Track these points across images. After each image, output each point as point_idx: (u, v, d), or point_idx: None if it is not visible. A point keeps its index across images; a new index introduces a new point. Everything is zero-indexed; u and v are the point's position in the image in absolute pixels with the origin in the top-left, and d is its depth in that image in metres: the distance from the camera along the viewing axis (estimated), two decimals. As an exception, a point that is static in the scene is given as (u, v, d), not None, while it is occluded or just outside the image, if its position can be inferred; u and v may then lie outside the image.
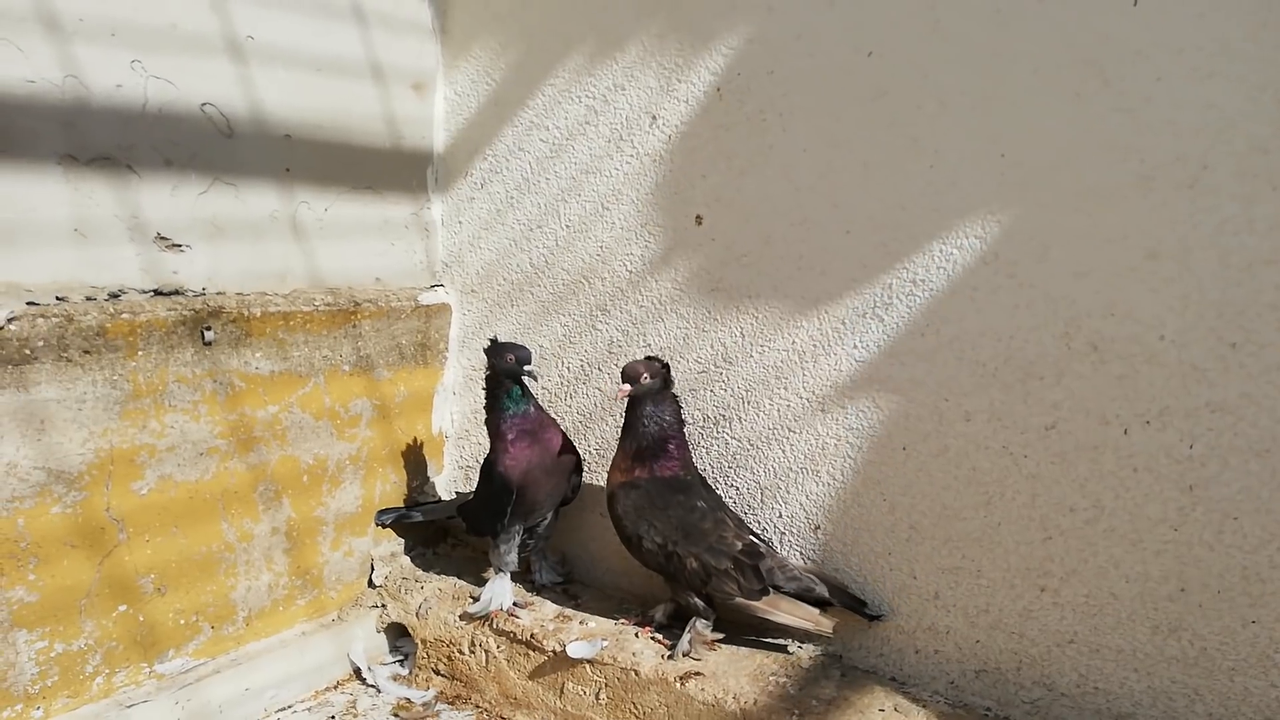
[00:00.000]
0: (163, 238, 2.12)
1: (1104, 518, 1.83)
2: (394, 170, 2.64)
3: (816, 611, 2.07)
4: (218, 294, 2.21)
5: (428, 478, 2.75)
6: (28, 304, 1.86)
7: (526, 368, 2.23)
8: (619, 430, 2.24)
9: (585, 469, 2.48)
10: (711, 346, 2.32)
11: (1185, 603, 1.76)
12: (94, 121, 1.97)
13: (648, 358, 2.22)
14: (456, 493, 2.78)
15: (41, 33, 1.88)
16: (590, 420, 2.53)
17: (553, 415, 2.42)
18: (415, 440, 2.70)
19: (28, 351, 1.83)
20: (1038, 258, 1.87)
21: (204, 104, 2.16)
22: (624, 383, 2.15)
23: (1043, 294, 1.87)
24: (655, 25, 2.31)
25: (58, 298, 1.92)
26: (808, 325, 2.16)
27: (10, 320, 1.80)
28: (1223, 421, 1.71)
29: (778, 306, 2.20)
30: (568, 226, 2.52)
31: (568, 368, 2.57)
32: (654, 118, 2.34)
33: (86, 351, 1.92)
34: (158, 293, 2.11)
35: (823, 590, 2.09)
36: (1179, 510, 1.76)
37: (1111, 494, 1.82)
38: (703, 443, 2.36)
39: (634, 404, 2.18)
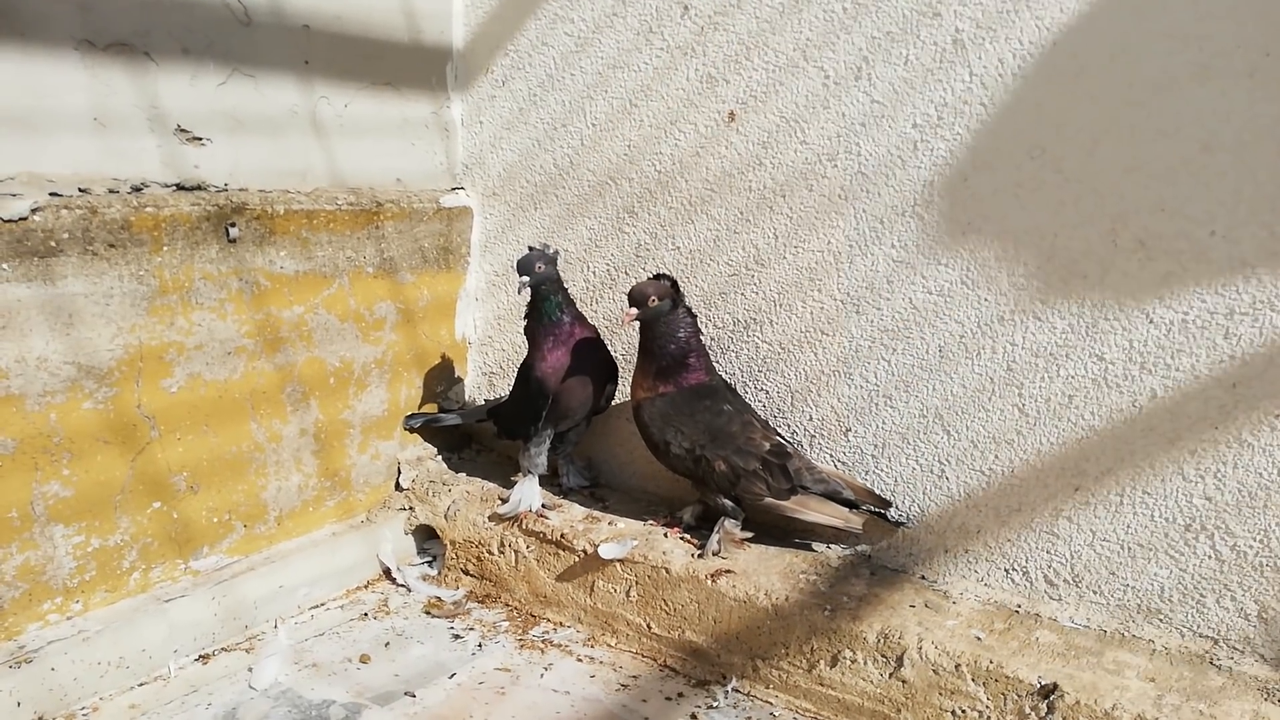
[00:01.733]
0: (183, 129, 2.06)
1: (1142, 417, 1.83)
2: (413, 66, 2.56)
3: (846, 510, 2.09)
4: (240, 190, 2.16)
5: (451, 383, 2.74)
6: (50, 195, 1.82)
7: (521, 279, 2.20)
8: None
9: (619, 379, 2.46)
10: (743, 248, 2.28)
11: (1219, 502, 1.77)
12: (110, 4, 1.90)
13: (655, 277, 2.18)
14: (485, 399, 2.77)
15: (51, -92, 1.79)
16: (617, 324, 2.51)
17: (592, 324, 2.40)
18: (439, 345, 2.68)
19: (53, 244, 1.79)
20: (1086, 152, 1.82)
21: (220, -11, 2.08)
22: (631, 307, 2.11)
23: (1090, 190, 1.83)
24: (688, -90, 2.21)
25: (80, 189, 1.88)
26: (843, 225, 2.12)
27: (34, 211, 1.76)
28: (1271, 319, 1.69)
29: (812, 206, 2.16)
30: (594, 125, 2.45)
31: (594, 272, 2.54)
32: (686, 8, 2.25)
33: (112, 245, 1.88)
34: (180, 187, 2.06)
35: (849, 494, 2.10)
36: (1220, 409, 1.75)
37: (1149, 390, 1.81)
38: (732, 347, 2.34)
39: (647, 326, 2.15)
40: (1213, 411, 1.76)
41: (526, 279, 2.18)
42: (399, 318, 2.52)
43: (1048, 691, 1.71)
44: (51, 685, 1.80)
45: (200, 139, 2.09)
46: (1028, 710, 1.71)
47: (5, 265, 1.73)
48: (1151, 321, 1.80)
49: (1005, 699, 1.74)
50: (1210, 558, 1.80)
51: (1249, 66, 1.66)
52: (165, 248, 1.97)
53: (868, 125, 2.06)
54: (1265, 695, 1.68)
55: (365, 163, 2.46)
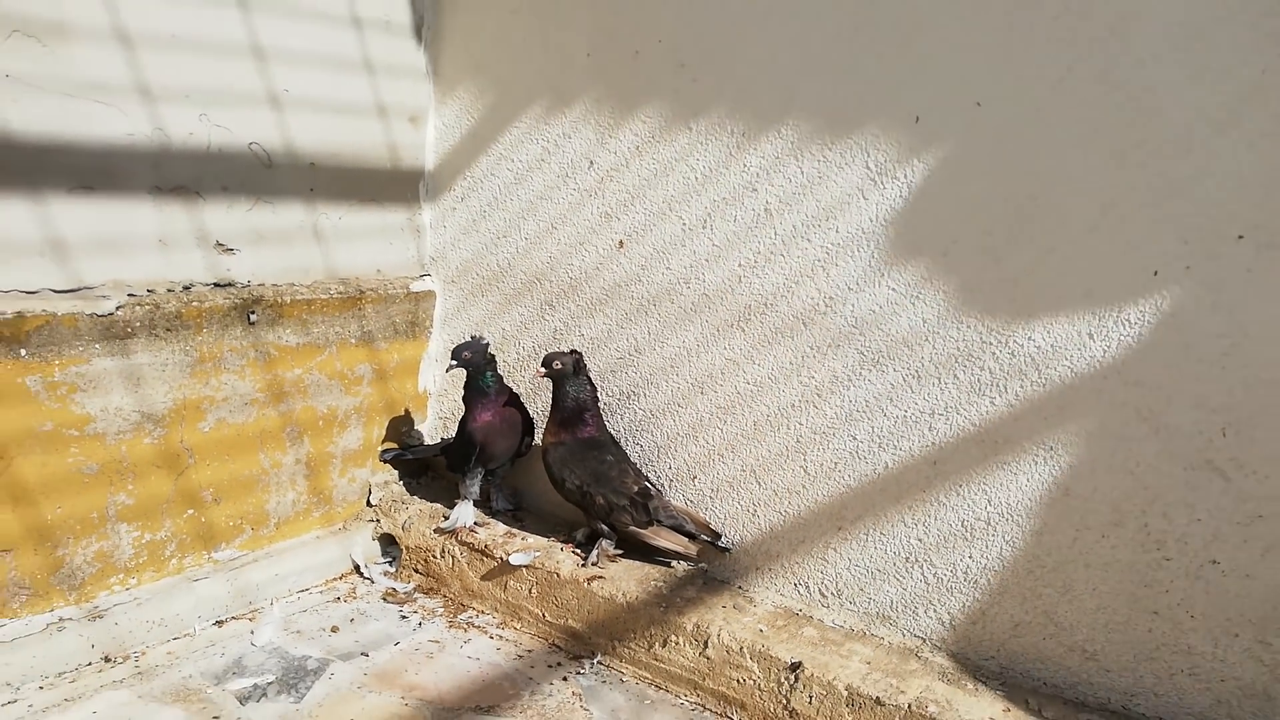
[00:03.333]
0: (220, 244, 2.87)
1: (880, 481, 2.62)
2: (393, 185, 3.37)
3: (686, 539, 2.88)
4: (259, 285, 2.96)
5: (413, 425, 3.54)
6: (129, 295, 2.62)
7: (451, 361, 3.00)
8: (555, 399, 3.03)
9: (535, 431, 3.26)
10: (627, 340, 3.08)
11: (925, 543, 2.55)
12: (173, 161, 2.70)
13: (570, 351, 2.97)
14: (442, 438, 3.57)
15: (137, 99, 2.59)
16: (537, 391, 3.31)
17: (514, 390, 3.20)
18: (405, 396, 3.48)
19: (129, 330, 2.60)
20: (845, 296, 2.62)
21: (251, 143, 2.89)
22: (541, 366, 2.92)
23: (848, 321, 2.62)
24: (594, 91, 3.01)
25: (148, 290, 2.68)
26: (693, 330, 2.92)
27: (118, 308, 2.57)
28: (955, 420, 2.48)
29: (673, 314, 2.96)
30: (526, 238, 3.26)
31: (522, 348, 3.34)
32: (591, 162, 3.06)
33: (168, 329, 2.69)
34: (216, 285, 2.86)
35: (691, 527, 2.88)
36: (926, 479, 2.54)
37: (884, 462, 2.60)
38: (619, 410, 3.14)
39: (558, 385, 2.95)
40: (922, 480, 2.55)
41: (454, 363, 3.00)
42: (374, 375, 3.32)
43: (795, 666, 2.49)
44: (115, 635, 2.61)
45: (231, 250, 2.90)
46: (782, 679, 2.50)
47: (97, 345, 2.54)
48: (886, 415, 2.59)
49: (769, 671, 2.53)
50: (921, 581, 2.58)
51: (943, 248, 2.46)
52: (204, 329, 2.78)
53: (710, 261, 2.86)
54: (940, 677, 2.46)
55: (353, 259, 3.27)
